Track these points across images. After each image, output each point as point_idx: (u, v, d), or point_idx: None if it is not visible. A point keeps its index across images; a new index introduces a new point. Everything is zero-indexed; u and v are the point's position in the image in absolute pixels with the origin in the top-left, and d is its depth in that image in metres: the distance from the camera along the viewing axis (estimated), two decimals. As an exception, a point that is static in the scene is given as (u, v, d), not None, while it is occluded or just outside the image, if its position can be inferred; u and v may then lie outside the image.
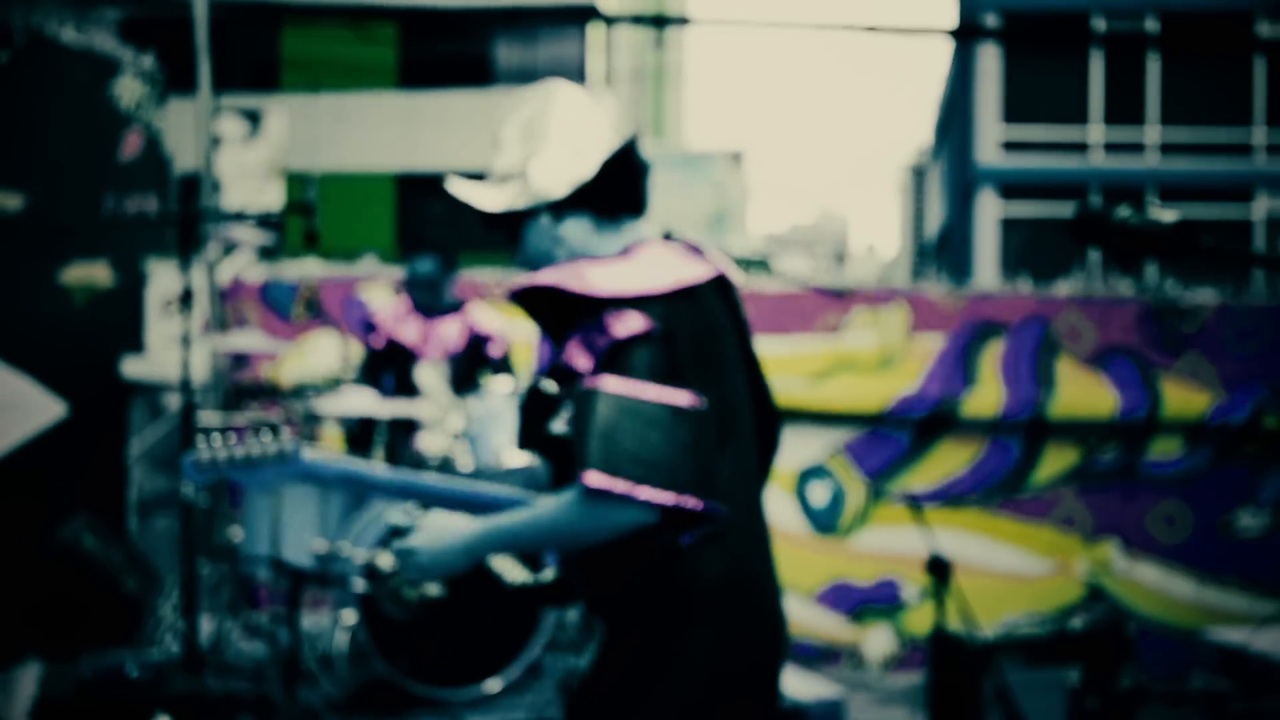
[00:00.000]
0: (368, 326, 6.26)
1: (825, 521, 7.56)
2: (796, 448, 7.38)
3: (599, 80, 24.94)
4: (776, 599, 2.48)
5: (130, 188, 7.19)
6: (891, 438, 7.56)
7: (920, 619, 7.32)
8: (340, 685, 5.41)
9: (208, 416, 6.55)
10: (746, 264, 18.46)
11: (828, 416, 7.47)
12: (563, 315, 2.37)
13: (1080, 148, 24.43)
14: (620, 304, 2.30)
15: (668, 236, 2.52)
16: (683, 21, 12.89)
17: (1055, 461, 7.58)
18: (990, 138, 24.54)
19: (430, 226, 20.45)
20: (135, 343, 7.21)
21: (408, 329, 6.16)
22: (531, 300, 2.40)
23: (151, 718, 5.02)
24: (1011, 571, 7.56)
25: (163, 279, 7.22)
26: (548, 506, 2.30)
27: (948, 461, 7.56)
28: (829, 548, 7.56)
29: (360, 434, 6.07)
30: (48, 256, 6.71)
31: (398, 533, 2.46)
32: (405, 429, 5.95)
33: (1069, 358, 7.61)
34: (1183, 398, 7.57)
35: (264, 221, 6.51)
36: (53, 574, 6.19)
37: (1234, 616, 7.29)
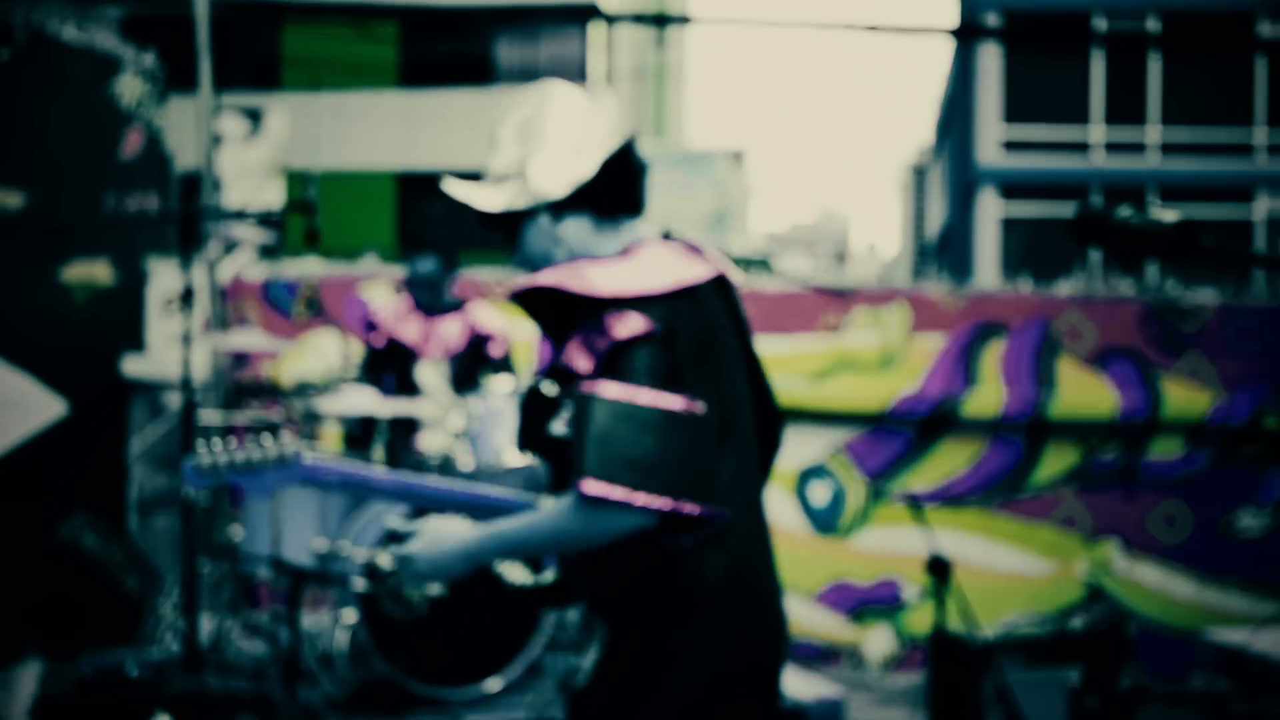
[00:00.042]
0: (369, 325, 6.26)
1: (825, 521, 7.56)
2: (797, 447, 7.37)
3: (600, 79, 24.94)
4: (777, 599, 2.48)
5: (131, 186, 7.18)
6: (892, 437, 7.56)
7: (920, 619, 7.31)
8: (340, 684, 5.41)
9: (208, 415, 6.55)
10: (747, 263, 18.46)
11: (828, 416, 7.47)
12: (563, 315, 2.36)
13: (1081, 147, 24.43)
14: (621, 304, 2.30)
15: (666, 236, 2.52)
16: (684, 20, 12.89)
17: (1056, 461, 7.58)
18: (991, 137, 24.54)
19: (431, 226, 20.45)
20: (136, 341, 7.21)
21: (409, 328, 6.15)
22: (532, 300, 2.40)
23: (151, 717, 5.02)
24: (1012, 571, 7.56)
25: (163, 277, 7.22)
26: (546, 512, 2.30)
27: (948, 461, 7.56)
28: (829, 547, 7.56)
29: (360, 433, 6.07)
30: (48, 255, 6.71)
31: (395, 538, 2.46)
32: (406, 428, 5.95)
33: (1070, 358, 7.60)
34: (1183, 398, 7.56)
35: (265, 220, 6.51)
36: (53, 573, 6.19)
37: (1234, 617, 7.28)
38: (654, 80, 42.95)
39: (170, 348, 6.97)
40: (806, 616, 7.44)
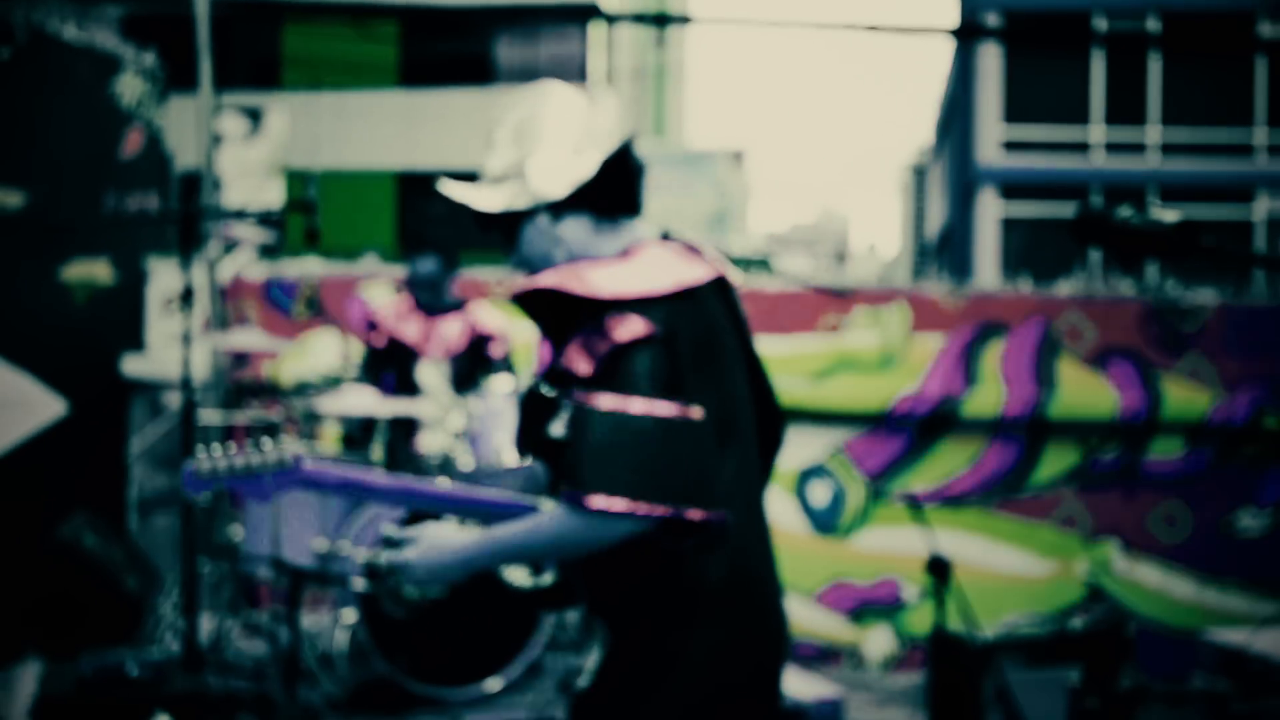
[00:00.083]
0: (369, 325, 6.26)
1: (825, 521, 7.56)
2: (797, 447, 7.37)
3: (600, 79, 24.94)
4: (778, 599, 2.48)
5: (131, 185, 7.18)
6: (892, 437, 7.56)
7: (920, 619, 7.31)
8: (340, 684, 5.41)
9: (208, 415, 6.54)
10: (747, 263, 18.45)
11: (828, 416, 7.47)
12: (563, 317, 2.36)
13: (1081, 148, 24.43)
14: (621, 306, 2.29)
15: (665, 236, 2.52)
16: (684, 20, 12.89)
17: (1056, 461, 7.58)
18: (991, 137, 24.54)
19: (431, 225, 20.46)
20: (136, 341, 7.21)
21: (409, 327, 6.15)
22: (532, 302, 2.40)
23: (151, 716, 5.02)
24: (1012, 571, 7.56)
25: (163, 277, 7.22)
26: (545, 519, 2.30)
27: (948, 461, 7.56)
28: (829, 548, 7.56)
29: (360, 433, 6.07)
30: (48, 254, 6.71)
31: (391, 544, 2.44)
32: (406, 428, 5.95)
33: (1070, 358, 7.61)
34: (1183, 398, 7.56)
35: (265, 219, 6.51)
36: (53, 572, 6.19)
37: (1234, 617, 7.29)
38: (654, 80, 42.96)
39: (170, 347, 6.97)
40: (806, 616, 7.44)
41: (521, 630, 5.44)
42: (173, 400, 7.03)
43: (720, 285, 2.49)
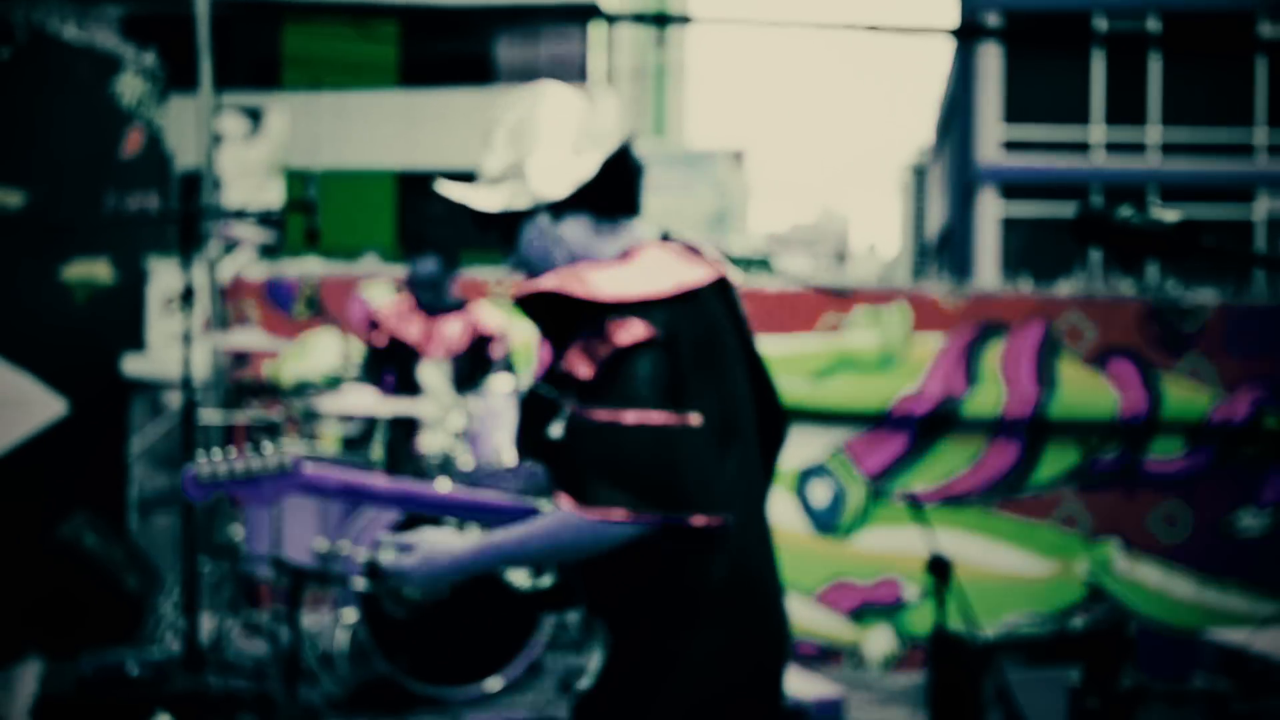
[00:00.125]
0: (371, 324, 6.26)
1: (826, 521, 7.56)
2: (797, 447, 7.37)
3: (600, 79, 24.94)
4: (779, 599, 2.48)
5: (131, 185, 7.18)
6: (892, 437, 7.56)
7: (921, 619, 7.31)
8: (341, 684, 5.41)
9: (209, 414, 6.55)
10: (747, 263, 18.44)
11: (828, 416, 7.47)
12: (564, 320, 2.36)
13: (1081, 148, 24.43)
14: (623, 310, 2.29)
15: (665, 237, 2.51)
16: (684, 20, 12.90)
17: (1056, 461, 7.58)
18: (991, 137, 24.54)
19: (431, 225, 20.42)
20: (136, 340, 7.21)
21: (411, 327, 6.15)
22: (533, 304, 2.40)
23: (152, 716, 5.02)
24: (1012, 571, 7.56)
25: (164, 276, 7.22)
26: (542, 524, 2.30)
27: (948, 461, 7.56)
28: (829, 547, 7.56)
29: (361, 432, 6.07)
30: (49, 254, 6.71)
31: (388, 550, 2.44)
32: (406, 427, 5.95)
33: (1070, 357, 7.61)
34: (1184, 398, 7.56)
35: (265, 219, 6.51)
36: (53, 572, 6.19)
37: (1235, 617, 7.29)
38: (654, 80, 42.95)
39: (170, 347, 6.97)
40: (807, 616, 7.44)
41: (522, 630, 5.44)
42: (173, 400, 7.02)
43: (721, 286, 2.49)
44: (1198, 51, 24.57)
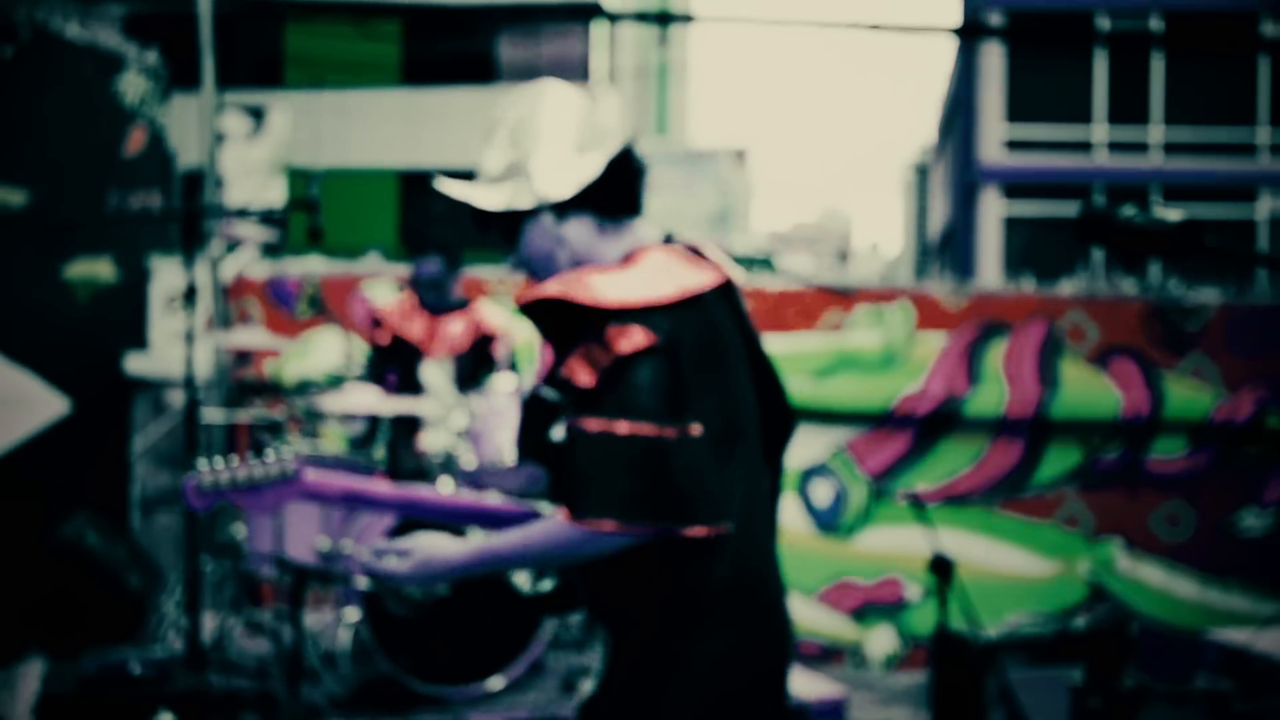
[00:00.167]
0: (374, 323, 6.26)
1: (828, 520, 7.56)
2: (799, 446, 7.37)
3: (603, 78, 24.94)
4: (782, 602, 2.47)
5: (134, 184, 7.19)
6: (894, 437, 7.56)
7: (923, 618, 7.31)
8: (343, 683, 5.41)
9: (211, 413, 6.55)
10: (750, 262, 18.43)
11: (830, 415, 7.48)
12: (567, 325, 2.34)
13: (1084, 147, 24.41)
14: (625, 316, 2.28)
15: (668, 239, 2.51)
16: (687, 19, 12.89)
17: (1058, 461, 7.58)
18: (994, 136, 24.52)
19: (433, 224, 20.43)
20: (138, 339, 7.21)
21: (414, 326, 6.16)
22: (537, 310, 2.39)
23: (154, 715, 5.02)
24: (1014, 571, 7.56)
25: (166, 275, 7.23)
26: (539, 530, 2.30)
27: (951, 461, 7.55)
28: (832, 547, 7.56)
29: (363, 431, 6.07)
30: (51, 252, 6.71)
31: (383, 556, 2.43)
32: (409, 426, 5.95)
33: (1072, 357, 7.60)
34: (1186, 397, 7.56)
35: (267, 218, 6.51)
36: (55, 571, 6.19)
37: (1237, 617, 7.28)
38: (657, 79, 42.94)
39: (173, 346, 6.97)
40: (809, 616, 7.44)
41: (524, 629, 5.44)
42: (175, 399, 7.03)
43: (725, 288, 2.48)
44: (1200, 51, 24.55)
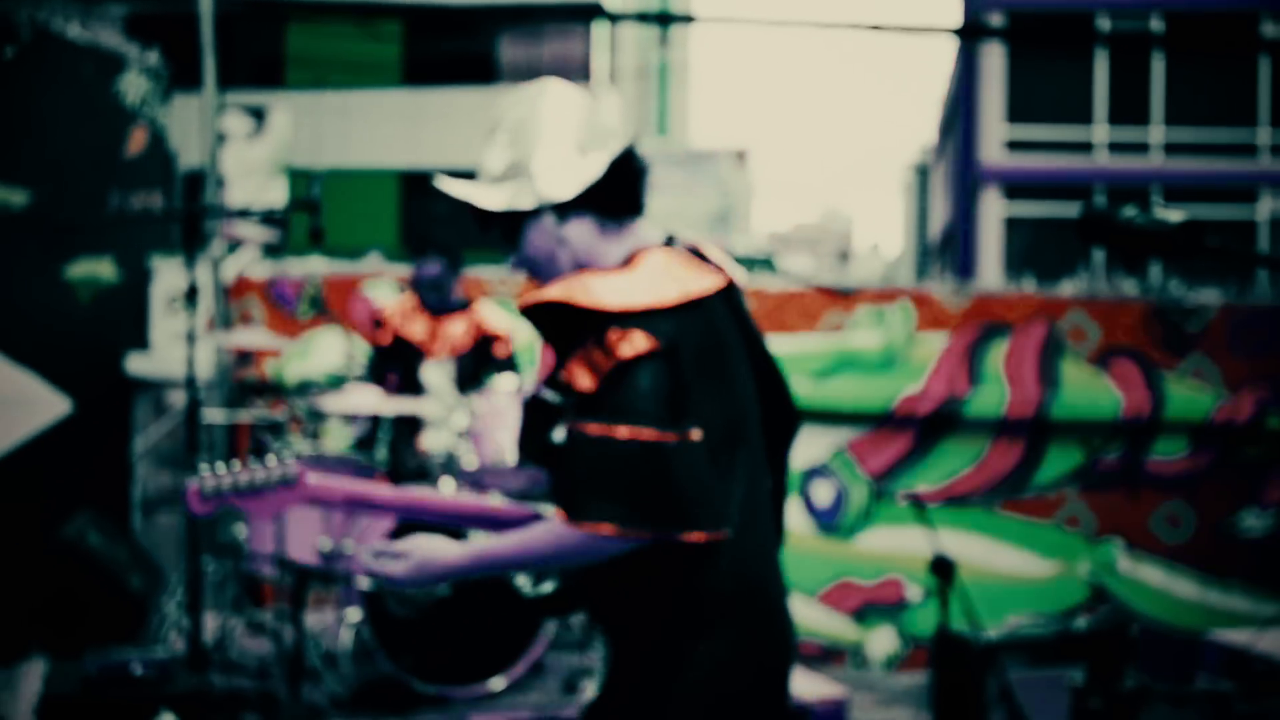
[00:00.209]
0: (375, 323, 6.27)
1: (829, 521, 7.56)
2: (800, 447, 7.35)
3: (604, 78, 24.95)
4: (784, 602, 2.47)
5: (135, 184, 7.19)
6: (895, 437, 7.56)
7: (924, 619, 7.32)
8: (344, 683, 5.41)
9: (212, 414, 6.55)
10: (751, 263, 18.44)
11: (831, 416, 7.48)
12: (568, 329, 2.33)
13: (1085, 147, 24.41)
14: (626, 320, 2.27)
15: (670, 240, 2.49)
16: (687, 19, 12.90)
17: (1059, 461, 7.58)
18: (994, 137, 24.52)
19: (435, 225, 20.46)
20: (140, 339, 7.22)
21: (415, 327, 6.16)
22: (538, 314, 2.37)
23: (156, 715, 5.02)
24: (1015, 571, 7.56)
25: (167, 276, 7.23)
26: (535, 534, 2.29)
27: (951, 461, 7.56)
28: (832, 547, 7.56)
29: (365, 432, 6.08)
30: (52, 253, 6.72)
31: (381, 559, 2.43)
32: (410, 427, 5.96)
33: (1073, 357, 7.61)
34: (1187, 398, 7.56)
35: (268, 218, 6.50)
36: (57, 571, 6.19)
37: (1237, 617, 7.29)
38: (658, 79, 42.95)
39: (174, 346, 6.97)
40: (810, 616, 7.44)
41: (525, 629, 5.44)
42: (177, 399, 7.03)
43: (726, 289, 2.48)
44: (1201, 51, 24.55)
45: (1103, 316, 7.62)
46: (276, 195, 12.22)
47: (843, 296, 7.65)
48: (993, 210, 24.57)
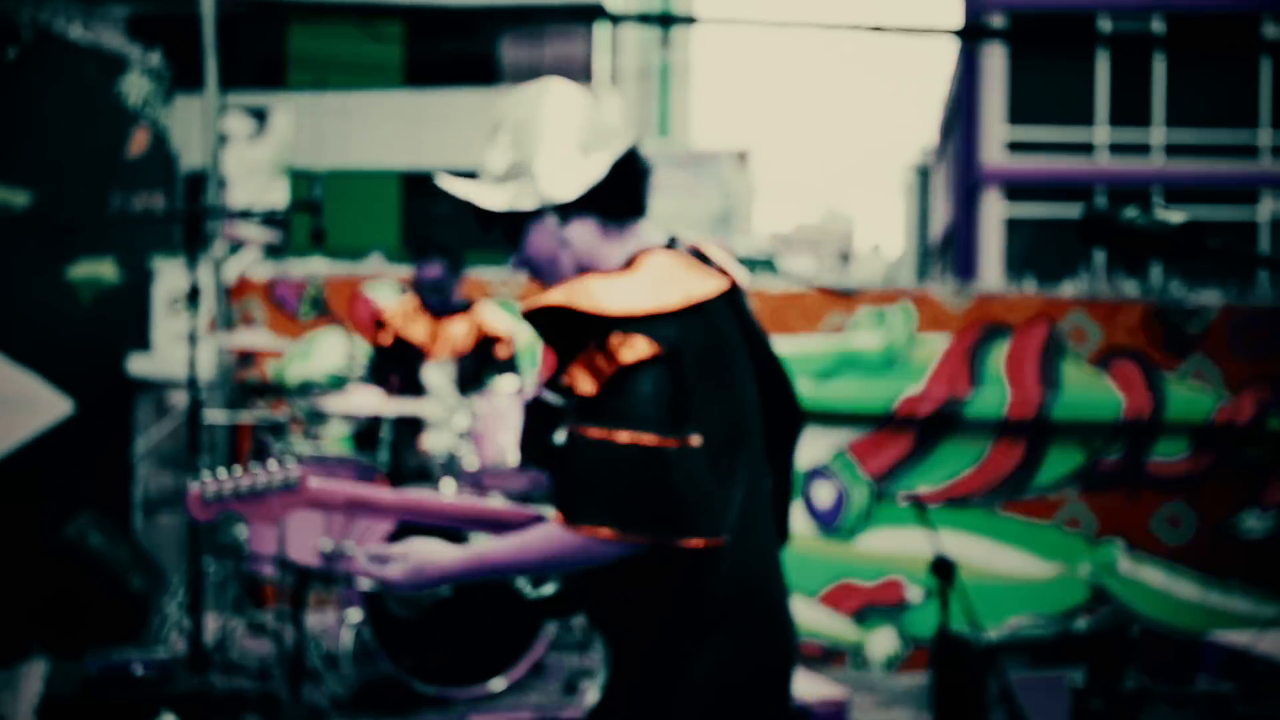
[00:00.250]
0: (377, 324, 6.27)
1: (829, 522, 7.56)
2: (801, 448, 7.37)
3: (605, 79, 24.96)
4: (785, 604, 2.46)
5: (137, 185, 7.19)
6: (896, 438, 7.56)
7: (924, 619, 7.32)
8: (345, 684, 5.41)
9: (214, 414, 6.55)
10: (752, 264, 18.44)
11: (832, 416, 7.48)
12: (570, 333, 2.32)
13: (1086, 149, 24.41)
14: (628, 325, 2.26)
15: (672, 242, 2.48)
16: (689, 21, 12.88)
17: (1060, 462, 7.58)
18: (995, 138, 24.52)
19: (436, 226, 20.47)
20: (141, 340, 7.22)
21: (416, 328, 6.16)
22: (540, 318, 2.36)
23: (156, 716, 5.03)
24: (1016, 572, 7.56)
25: (169, 276, 7.23)
26: (533, 538, 2.29)
27: (952, 462, 7.56)
28: (833, 548, 7.56)
29: (366, 432, 6.08)
30: (54, 254, 6.72)
31: (378, 562, 2.43)
32: (411, 428, 5.96)
33: (1074, 358, 7.61)
34: (1188, 399, 7.56)
35: (270, 219, 6.52)
36: (58, 571, 6.20)
37: (1238, 618, 7.29)
38: (659, 80, 42.95)
39: (176, 347, 6.98)
40: (810, 617, 7.44)
41: (526, 630, 5.44)
42: (178, 400, 7.03)
43: (730, 291, 2.47)
44: (1202, 53, 24.54)
45: (1104, 317, 7.63)
46: (278, 196, 12.22)
47: (844, 297, 7.65)
48: (994, 211, 24.57)
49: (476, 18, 22.97)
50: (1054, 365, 7.60)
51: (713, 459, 2.30)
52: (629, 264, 2.41)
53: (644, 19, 23.04)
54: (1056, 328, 7.61)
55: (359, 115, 22.86)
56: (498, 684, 5.38)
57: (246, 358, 7.23)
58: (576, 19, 22.59)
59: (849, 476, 7.55)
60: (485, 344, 6.17)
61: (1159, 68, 24.02)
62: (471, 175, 2.53)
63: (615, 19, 20.32)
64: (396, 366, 6.16)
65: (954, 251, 29.99)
